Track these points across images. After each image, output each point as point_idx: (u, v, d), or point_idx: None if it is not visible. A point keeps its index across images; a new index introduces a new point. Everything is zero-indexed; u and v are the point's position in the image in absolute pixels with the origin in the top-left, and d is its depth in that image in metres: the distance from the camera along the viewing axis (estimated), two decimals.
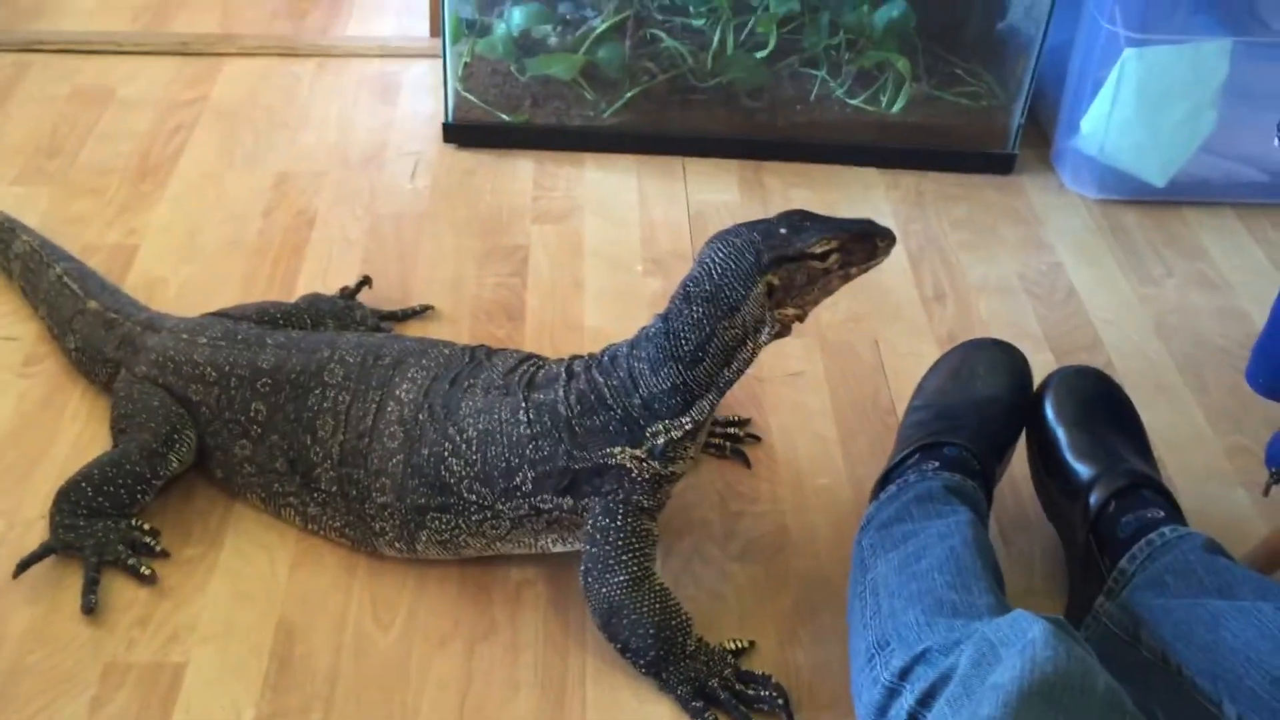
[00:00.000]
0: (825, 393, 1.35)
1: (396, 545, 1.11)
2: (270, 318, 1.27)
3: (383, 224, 1.57)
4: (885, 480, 1.11)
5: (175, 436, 1.14)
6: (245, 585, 1.11)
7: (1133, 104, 1.60)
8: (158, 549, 1.12)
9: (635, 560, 1.02)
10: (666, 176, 1.69)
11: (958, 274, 1.54)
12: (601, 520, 1.03)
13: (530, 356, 1.14)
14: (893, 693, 0.89)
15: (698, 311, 0.99)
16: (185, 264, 1.47)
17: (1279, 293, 1.00)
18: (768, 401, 1.33)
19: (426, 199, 1.62)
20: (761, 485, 1.24)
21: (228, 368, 1.16)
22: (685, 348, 1.00)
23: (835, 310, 1.46)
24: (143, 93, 1.79)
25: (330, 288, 1.42)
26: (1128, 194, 1.69)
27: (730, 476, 1.24)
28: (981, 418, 1.13)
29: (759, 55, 1.71)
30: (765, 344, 1.02)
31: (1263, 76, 1.62)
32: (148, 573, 1.09)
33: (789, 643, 1.08)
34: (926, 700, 0.85)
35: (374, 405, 1.10)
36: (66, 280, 1.30)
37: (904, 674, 0.88)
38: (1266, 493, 1.03)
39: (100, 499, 1.11)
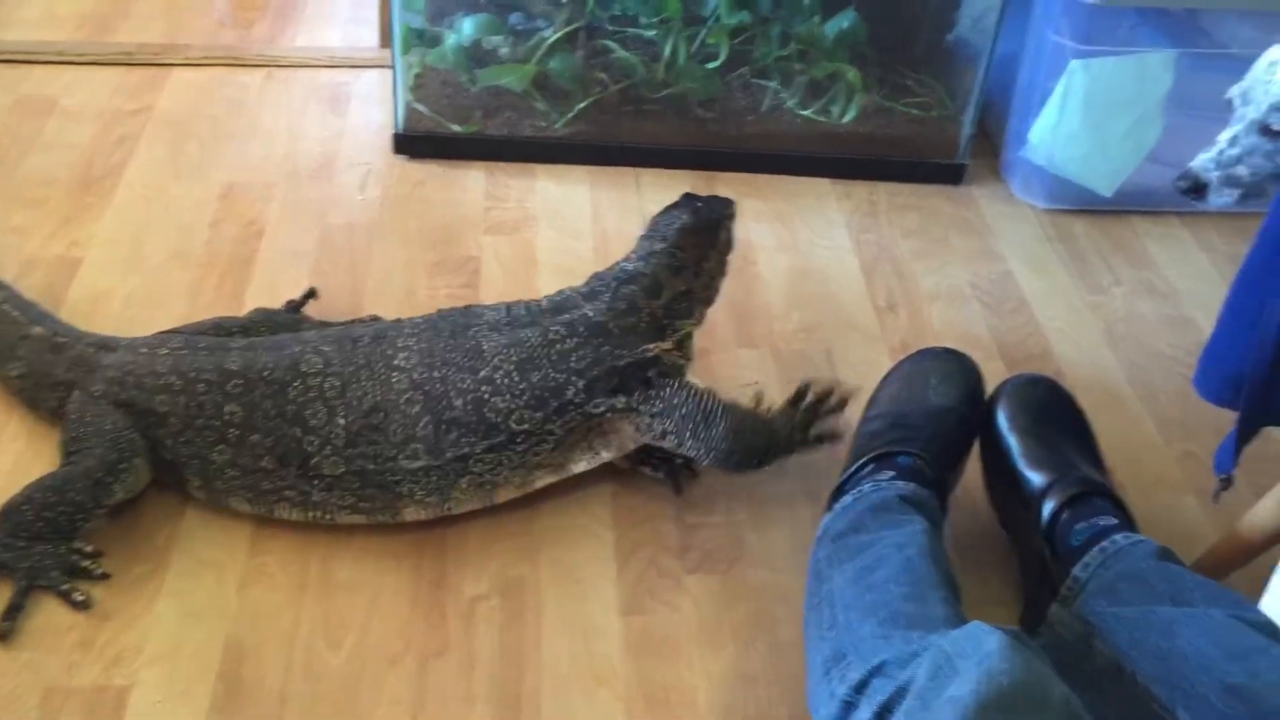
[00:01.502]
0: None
1: (427, 502, 1.13)
2: (226, 331, 1.25)
3: (333, 235, 1.55)
4: (840, 490, 1.11)
5: (122, 465, 1.11)
6: (193, 605, 1.09)
7: (1080, 115, 1.62)
8: (97, 572, 1.09)
9: (716, 405, 1.15)
10: (619, 187, 1.69)
11: (910, 283, 1.55)
12: (667, 394, 1.15)
13: (512, 303, 1.20)
14: (849, 706, 0.88)
15: (693, 240, 1.23)
16: (130, 276, 1.45)
17: (1225, 301, 1.01)
18: None
19: (377, 210, 1.60)
20: (717, 497, 1.23)
21: (193, 374, 1.14)
22: (690, 262, 1.22)
23: (788, 320, 1.46)
24: (86, 103, 1.76)
25: (279, 300, 1.40)
26: (1076, 203, 1.71)
27: (686, 488, 1.24)
28: (935, 427, 1.14)
29: (711, 66, 1.71)
30: (720, 283, 1.27)
31: (1206, 87, 1.64)
32: (80, 598, 1.07)
33: (746, 654, 1.08)
34: (883, 714, 0.85)
35: (375, 382, 1.12)
36: (6, 308, 1.26)
37: (861, 687, 0.88)
38: (1216, 499, 1.04)
39: (40, 524, 1.08)
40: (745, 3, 1.68)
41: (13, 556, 1.07)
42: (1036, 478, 1.09)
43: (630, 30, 1.71)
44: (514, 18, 1.74)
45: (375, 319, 1.39)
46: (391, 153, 1.71)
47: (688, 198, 1.29)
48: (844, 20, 1.70)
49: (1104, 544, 1.00)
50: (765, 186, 1.71)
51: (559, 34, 1.69)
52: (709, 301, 1.26)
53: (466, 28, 1.70)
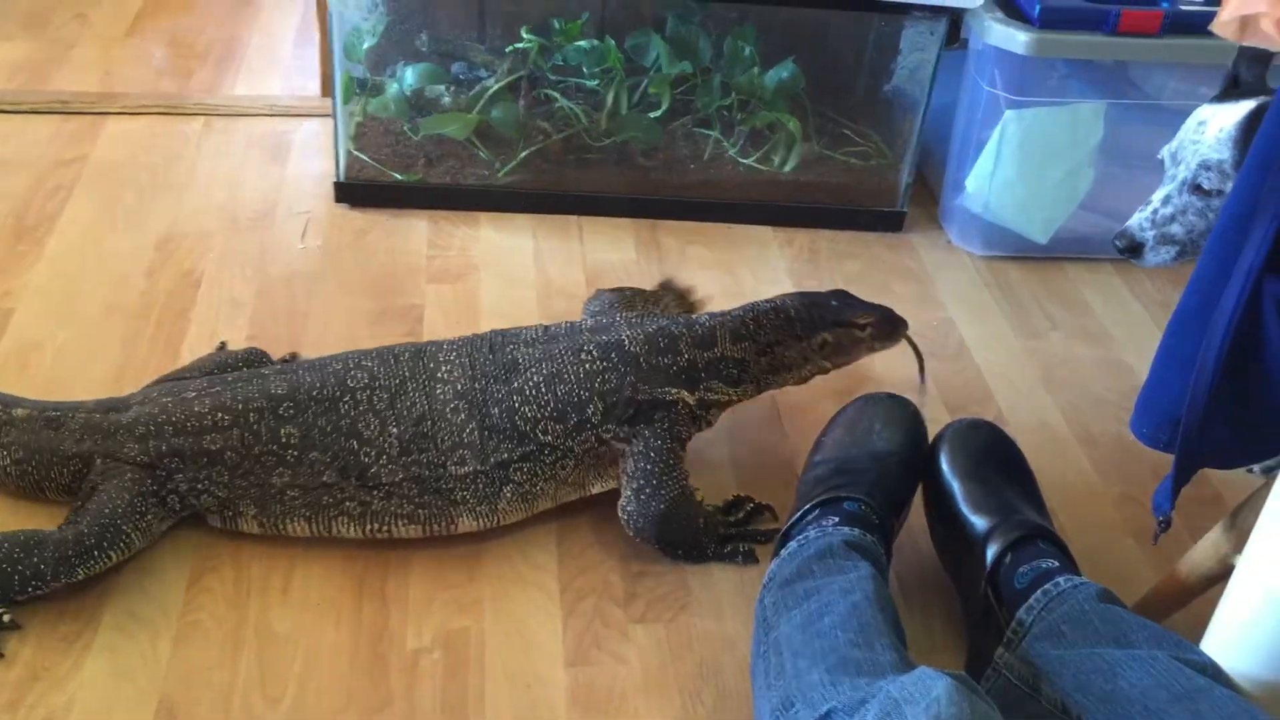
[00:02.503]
0: (725, 448, 1.35)
1: (478, 511, 1.16)
2: (215, 370, 1.26)
3: (272, 285, 1.53)
4: (786, 537, 1.11)
5: (95, 554, 1.08)
6: (124, 663, 1.06)
7: (1014, 164, 1.65)
8: (6, 619, 1.06)
9: (678, 475, 1.18)
10: (563, 235, 1.69)
11: None
12: (654, 444, 1.17)
13: (551, 324, 1.24)
14: None
15: (778, 321, 1.24)
16: (63, 328, 1.42)
17: (1159, 345, 1.03)
18: None
19: (318, 259, 1.59)
20: None
21: (240, 405, 1.15)
22: (762, 339, 1.23)
23: None
24: (20, 152, 1.73)
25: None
26: (1012, 250, 1.73)
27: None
28: (879, 472, 1.14)
29: (653, 115, 1.73)
30: (795, 380, 1.27)
31: (1136, 136, 1.68)
32: None
33: (693, 704, 1.07)
34: None
35: (420, 393, 1.16)
36: None
37: None
38: (1156, 541, 1.05)
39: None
40: (686, 53, 1.70)
41: None
42: (979, 521, 1.10)
43: (572, 80, 1.72)
44: (456, 67, 1.74)
45: (294, 355, 1.38)
46: (333, 201, 1.70)
47: (835, 293, 1.30)
48: (783, 71, 1.72)
49: (1047, 586, 1.00)
50: (709, 234, 1.72)
51: (501, 83, 1.70)
52: (762, 386, 1.26)
53: (408, 77, 1.71)
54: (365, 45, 1.68)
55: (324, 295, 1.52)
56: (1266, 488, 0.94)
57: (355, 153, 1.70)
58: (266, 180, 1.74)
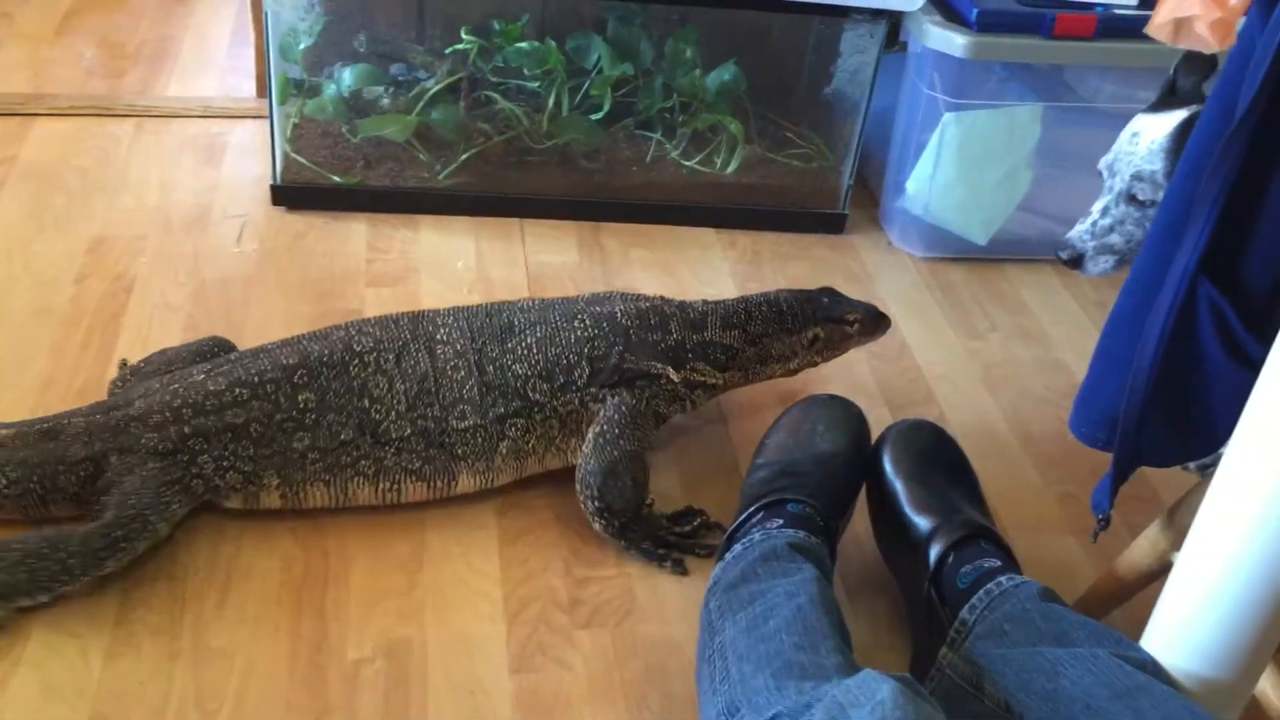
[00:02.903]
0: (669, 452, 1.35)
1: (476, 467, 1.22)
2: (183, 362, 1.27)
3: (207, 289, 1.50)
4: (730, 540, 1.11)
5: (123, 546, 1.09)
6: (54, 679, 1.03)
7: (954, 166, 1.67)
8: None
9: (641, 438, 1.22)
10: (504, 238, 1.68)
11: None
12: (628, 402, 1.23)
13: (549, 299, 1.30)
14: None
15: (769, 314, 1.30)
16: None
17: (1097, 345, 1.04)
18: None
19: (254, 263, 1.56)
20: (608, 550, 1.22)
21: (256, 379, 1.17)
22: (753, 330, 1.29)
23: None
24: None
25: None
26: (952, 252, 1.75)
27: (575, 542, 1.22)
28: (823, 473, 1.14)
29: (594, 117, 1.72)
30: (784, 372, 1.34)
31: (1072, 139, 1.71)
32: None
33: (638, 710, 1.06)
34: None
35: (422, 353, 1.21)
36: None
37: None
38: (1095, 539, 1.06)
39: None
40: (627, 55, 1.69)
41: None
42: (922, 522, 1.10)
43: (513, 81, 1.71)
44: (395, 68, 1.72)
45: (125, 362, 1.35)
46: (270, 204, 1.67)
47: (825, 290, 1.36)
48: (725, 73, 1.72)
49: (989, 586, 1.01)
50: (651, 236, 1.72)
51: (441, 85, 1.68)
52: (751, 375, 1.32)
53: (346, 78, 1.68)
54: (302, 46, 1.65)
55: (261, 299, 1.50)
56: (1203, 486, 0.95)
57: (292, 155, 1.68)
58: (201, 183, 1.71)
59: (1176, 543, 1.01)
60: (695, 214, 1.75)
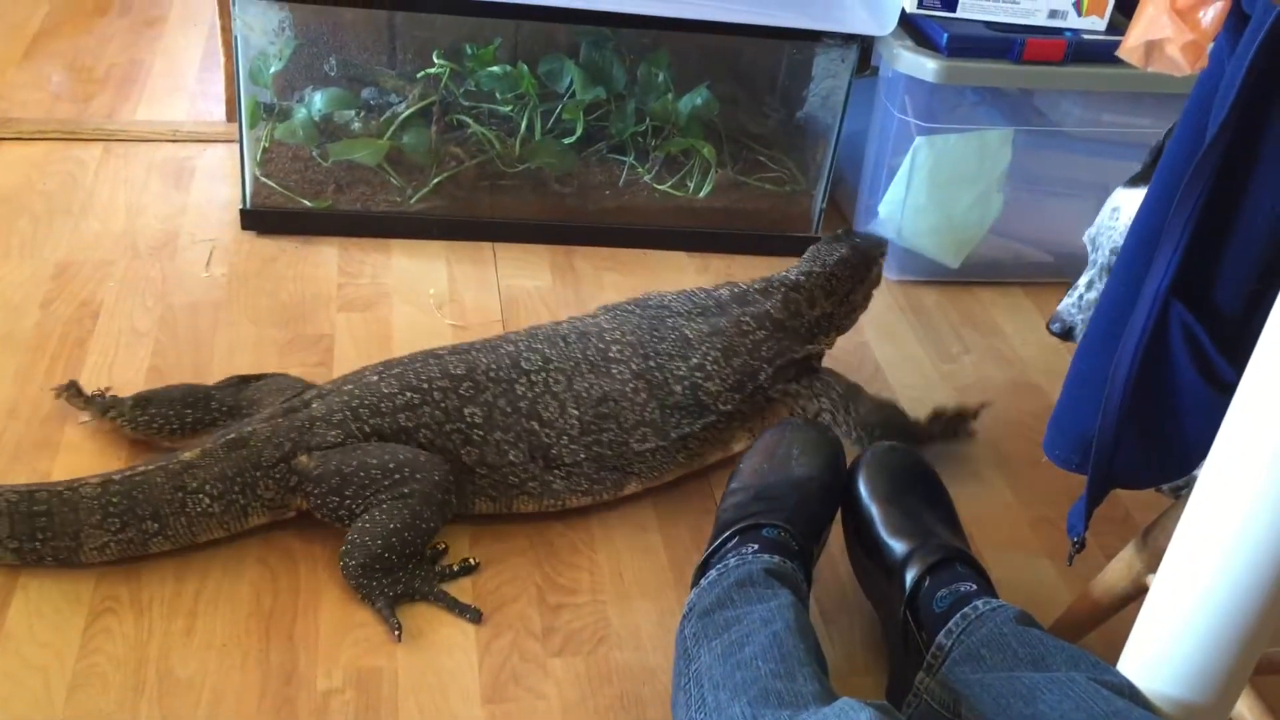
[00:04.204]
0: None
1: (648, 478, 1.25)
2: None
3: (175, 314, 1.49)
4: (705, 565, 1.10)
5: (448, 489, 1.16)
6: (15, 712, 1.00)
7: (926, 189, 1.67)
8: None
9: (857, 386, 1.36)
10: (477, 262, 1.67)
11: None
12: (827, 382, 1.35)
13: (691, 291, 1.36)
14: None
15: (846, 270, 1.41)
16: None
17: (1070, 368, 1.04)
18: None
19: (224, 287, 1.55)
20: (581, 576, 1.21)
21: (425, 384, 1.19)
22: (841, 289, 1.40)
23: None
24: None
25: (117, 382, 1.33)
26: (925, 275, 1.75)
27: (548, 568, 1.21)
28: (799, 498, 1.14)
29: (567, 141, 1.71)
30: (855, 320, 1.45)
31: (1042, 162, 1.72)
32: None
33: None
34: None
35: (598, 374, 1.22)
36: (143, 469, 1.13)
37: None
38: (1071, 561, 1.06)
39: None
40: (600, 79, 1.69)
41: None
42: (897, 545, 1.10)
43: (485, 106, 1.70)
44: (367, 92, 1.71)
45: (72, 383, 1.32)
46: (239, 229, 1.65)
47: (846, 233, 1.45)
48: (697, 97, 1.72)
49: (966, 610, 1.00)
50: (624, 260, 1.71)
51: (412, 109, 1.68)
52: (842, 330, 1.42)
53: (318, 102, 1.67)
54: (272, 69, 1.64)
55: (230, 325, 1.48)
56: (1177, 508, 0.95)
57: (262, 179, 1.67)
58: (169, 207, 1.69)
59: (1151, 565, 1.01)
60: (668, 238, 1.75)
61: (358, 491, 1.14)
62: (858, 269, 1.41)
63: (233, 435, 1.16)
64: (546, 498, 1.22)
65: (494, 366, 1.21)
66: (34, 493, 1.10)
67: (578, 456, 1.20)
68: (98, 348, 1.41)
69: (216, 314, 1.50)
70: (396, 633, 1.10)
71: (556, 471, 1.20)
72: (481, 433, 1.18)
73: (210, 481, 1.14)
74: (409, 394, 1.18)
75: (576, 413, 1.20)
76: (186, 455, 1.14)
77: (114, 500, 1.10)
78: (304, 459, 1.15)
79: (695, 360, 1.25)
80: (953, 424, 1.41)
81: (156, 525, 1.12)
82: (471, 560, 1.18)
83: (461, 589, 1.17)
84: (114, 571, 1.13)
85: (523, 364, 1.21)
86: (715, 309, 1.32)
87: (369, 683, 1.07)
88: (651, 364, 1.24)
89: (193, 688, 1.04)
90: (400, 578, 1.14)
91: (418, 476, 1.14)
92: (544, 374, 1.21)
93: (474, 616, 1.13)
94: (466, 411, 1.18)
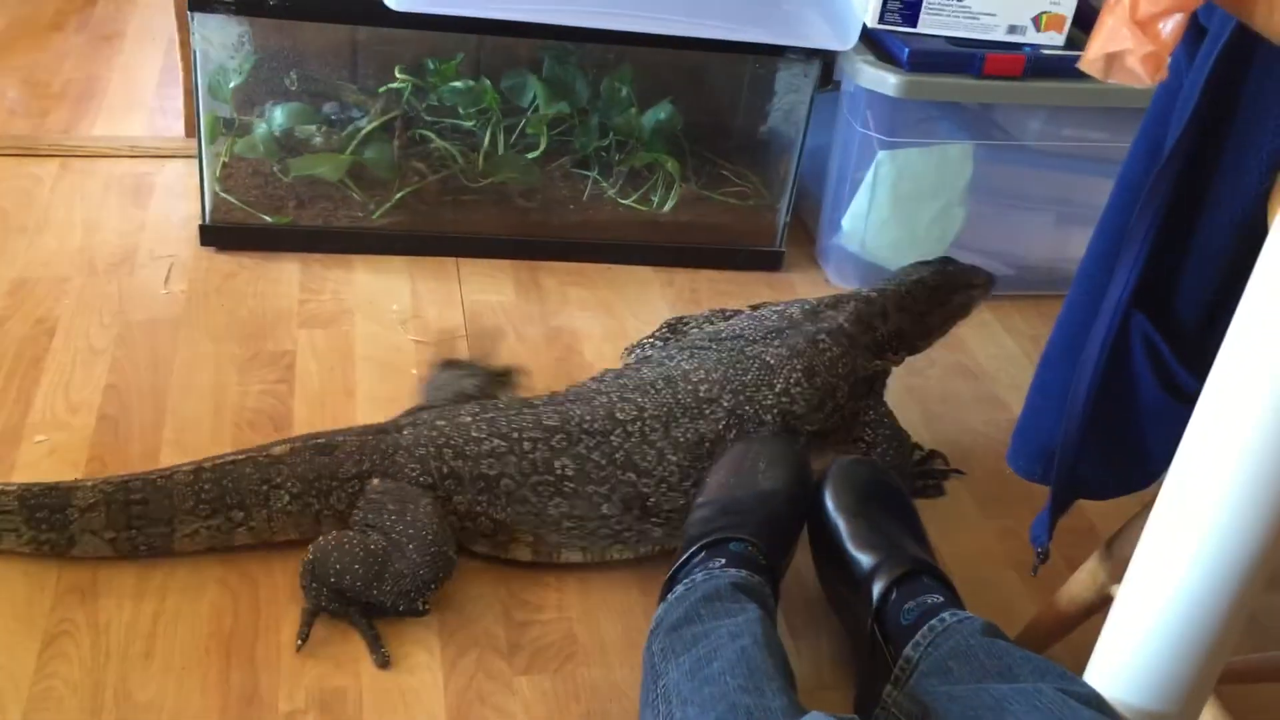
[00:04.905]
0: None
1: None
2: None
3: (133, 331, 1.46)
4: (673, 580, 1.09)
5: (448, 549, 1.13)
6: None
7: (888, 203, 1.68)
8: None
9: (900, 428, 1.35)
10: (440, 278, 1.66)
11: None
12: (883, 413, 1.33)
13: (755, 309, 1.38)
14: None
15: (923, 293, 1.39)
16: None
17: (1033, 380, 1.05)
18: None
19: (183, 304, 1.53)
20: (548, 593, 1.20)
21: (516, 433, 1.17)
22: (916, 309, 1.37)
23: None
24: None
25: (73, 400, 1.31)
26: None
27: (514, 585, 1.20)
28: (765, 511, 1.13)
29: (530, 156, 1.71)
30: (929, 344, 1.42)
31: (1003, 176, 1.73)
32: None
33: None
34: None
35: (692, 418, 1.20)
36: (232, 459, 1.16)
37: None
38: (1035, 572, 1.06)
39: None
40: (563, 94, 1.69)
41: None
42: (864, 558, 1.10)
43: (448, 120, 1.69)
44: (328, 107, 1.70)
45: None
46: (198, 244, 1.64)
47: (944, 259, 1.43)
48: (661, 112, 1.72)
49: (933, 622, 1.00)
50: (589, 275, 1.71)
51: (375, 123, 1.67)
52: (914, 350, 1.40)
53: (278, 117, 1.66)
54: (232, 84, 1.63)
55: (189, 342, 1.46)
56: (1141, 518, 0.95)
57: (222, 194, 1.65)
58: (127, 223, 1.67)
59: (1115, 575, 1.02)
60: (632, 252, 1.75)
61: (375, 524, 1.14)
62: (936, 292, 1.39)
63: (323, 440, 1.18)
64: (643, 545, 1.21)
65: (588, 418, 1.19)
66: (128, 482, 1.12)
67: (677, 503, 1.19)
68: (54, 366, 1.39)
69: (176, 331, 1.48)
70: (303, 636, 1.09)
71: (655, 520, 1.19)
72: (573, 486, 1.17)
73: (292, 479, 1.15)
74: (497, 441, 1.17)
75: (675, 459, 1.19)
76: (277, 450, 1.16)
77: (205, 487, 1.13)
78: (376, 483, 1.15)
79: (780, 386, 1.25)
80: (927, 477, 1.41)
81: (242, 514, 1.14)
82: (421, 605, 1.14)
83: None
84: (70, 594, 1.11)
85: (618, 414, 1.20)
86: (789, 329, 1.31)
87: (332, 703, 1.05)
88: (741, 398, 1.23)
89: (152, 711, 1.02)
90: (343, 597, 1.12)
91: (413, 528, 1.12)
92: (639, 423, 1.19)
93: (382, 660, 1.09)
94: (557, 464, 1.17)
